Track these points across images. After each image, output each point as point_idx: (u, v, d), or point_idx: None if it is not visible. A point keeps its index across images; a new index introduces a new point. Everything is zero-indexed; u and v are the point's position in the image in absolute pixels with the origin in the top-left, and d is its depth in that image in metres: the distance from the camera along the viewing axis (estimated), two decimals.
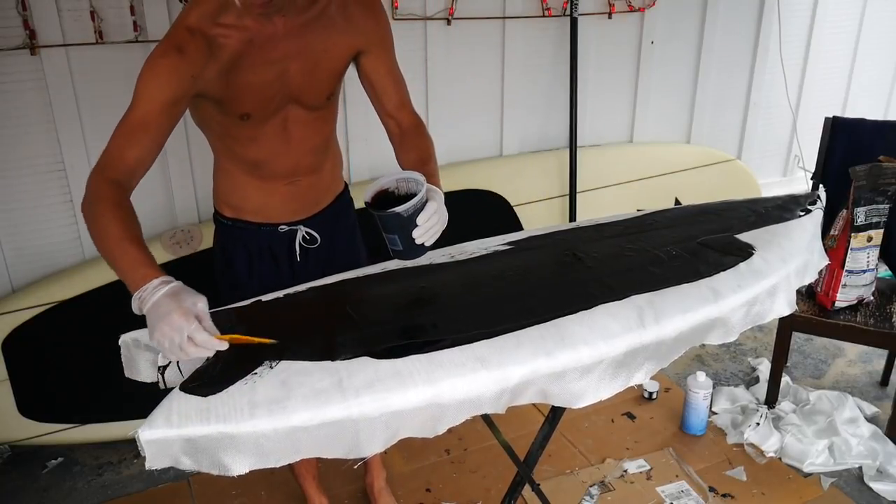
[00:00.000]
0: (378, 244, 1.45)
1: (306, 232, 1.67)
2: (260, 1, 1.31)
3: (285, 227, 1.65)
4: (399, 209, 1.31)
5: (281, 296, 1.42)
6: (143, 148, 1.33)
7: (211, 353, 1.14)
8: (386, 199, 1.40)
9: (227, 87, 1.41)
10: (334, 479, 2.23)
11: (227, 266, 1.70)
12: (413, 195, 1.34)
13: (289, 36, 1.43)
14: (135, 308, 1.19)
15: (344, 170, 2.64)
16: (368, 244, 1.83)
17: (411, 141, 1.60)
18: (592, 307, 1.30)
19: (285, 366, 1.13)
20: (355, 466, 2.26)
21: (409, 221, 1.33)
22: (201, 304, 1.16)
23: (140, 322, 1.34)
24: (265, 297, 1.42)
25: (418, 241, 1.36)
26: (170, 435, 1.02)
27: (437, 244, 1.43)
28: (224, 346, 1.14)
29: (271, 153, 1.56)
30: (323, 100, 1.56)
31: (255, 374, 1.11)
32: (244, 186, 1.61)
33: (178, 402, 1.05)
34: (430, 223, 1.35)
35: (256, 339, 1.17)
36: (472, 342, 1.19)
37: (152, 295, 1.16)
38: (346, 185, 1.82)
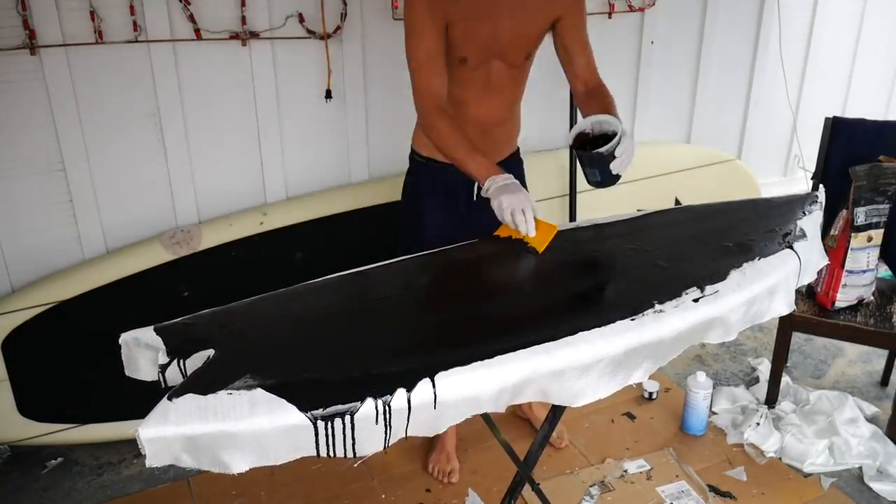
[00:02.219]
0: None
1: None
2: None
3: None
4: (603, 149, 1.61)
5: (276, 298, 1.42)
6: (440, 71, 1.71)
7: (530, 233, 1.55)
8: (583, 139, 1.71)
9: (462, 29, 1.72)
10: (334, 478, 2.23)
11: (415, 198, 2.03)
12: (604, 135, 1.66)
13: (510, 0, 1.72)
14: (484, 190, 1.62)
15: (345, 170, 2.68)
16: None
17: (596, 97, 1.84)
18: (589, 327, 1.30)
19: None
20: (355, 465, 2.26)
21: (610, 157, 1.62)
22: (533, 203, 1.58)
23: (140, 322, 1.35)
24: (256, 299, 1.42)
25: (615, 172, 1.65)
26: (170, 433, 1.02)
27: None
28: (533, 231, 1.55)
29: (472, 98, 1.85)
30: (522, 59, 1.85)
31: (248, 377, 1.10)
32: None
33: (177, 400, 1.05)
34: (626, 155, 1.63)
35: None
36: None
37: (505, 180, 1.59)
38: (518, 149, 2.11)
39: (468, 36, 1.74)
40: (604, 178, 1.68)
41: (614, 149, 1.62)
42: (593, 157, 1.65)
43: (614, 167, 1.64)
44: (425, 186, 2.01)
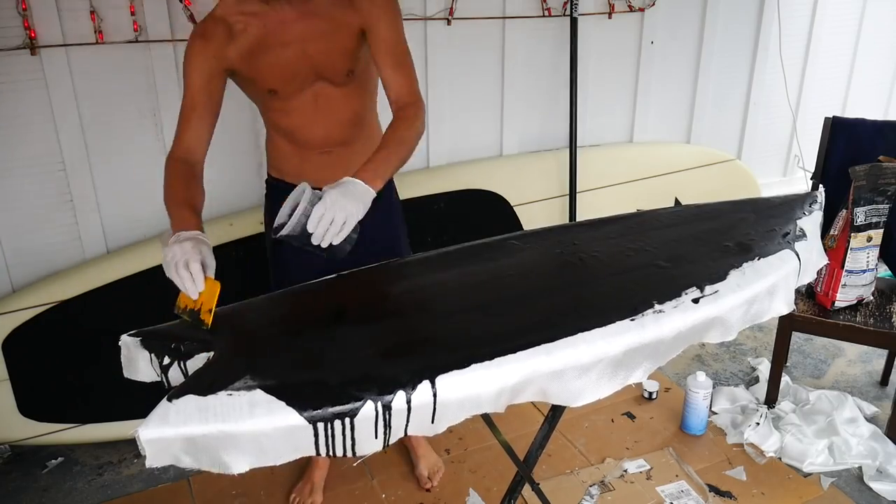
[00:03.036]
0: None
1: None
2: None
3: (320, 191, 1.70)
4: (282, 232, 1.34)
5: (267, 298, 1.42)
6: (195, 127, 1.58)
7: (191, 291, 1.27)
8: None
9: (251, 67, 1.62)
10: (334, 479, 2.23)
11: (270, 220, 1.88)
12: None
13: (300, 20, 1.61)
14: (163, 244, 1.38)
15: None
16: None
17: (392, 123, 1.62)
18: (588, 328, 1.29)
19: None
20: (354, 465, 2.26)
21: (304, 233, 1.34)
22: (211, 259, 1.33)
23: (140, 322, 1.35)
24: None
25: (321, 244, 1.34)
26: (169, 434, 1.02)
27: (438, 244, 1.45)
28: (200, 288, 1.27)
29: (302, 124, 1.74)
30: (343, 76, 1.70)
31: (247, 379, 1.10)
32: (284, 151, 1.81)
33: (177, 401, 1.05)
34: (323, 225, 1.34)
35: (204, 316, 1.26)
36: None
37: (179, 236, 1.35)
38: None
39: (265, 68, 1.62)
40: (323, 251, 1.37)
41: (299, 224, 1.33)
42: (284, 239, 1.36)
43: (316, 240, 1.34)
44: (277, 210, 1.75)
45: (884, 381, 2.71)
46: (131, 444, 1.03)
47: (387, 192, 1.88)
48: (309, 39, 1.62)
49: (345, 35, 1.65)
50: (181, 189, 1.52)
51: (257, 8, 1.59)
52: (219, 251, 2.34)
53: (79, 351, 2.26)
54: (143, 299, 2.29)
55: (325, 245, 1.35)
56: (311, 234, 1.33)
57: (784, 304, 1.51)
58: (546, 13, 2.82)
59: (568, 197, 2.97)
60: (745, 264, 1.48)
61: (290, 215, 1.35)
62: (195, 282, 1.27)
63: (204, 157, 1.60)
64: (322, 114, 1.73)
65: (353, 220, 1.37)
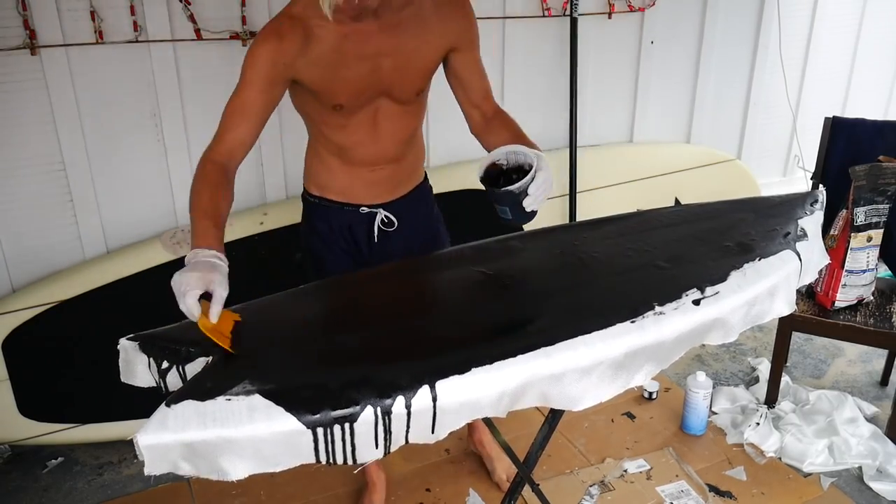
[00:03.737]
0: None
1: (385, 215, 1.77)
2: (348, 9, 1.42)
3: (366, 209, 1.75)
4: (513, 186, 1.45)
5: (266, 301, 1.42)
6: (242, 130, 1.48)
7: (191, 317, 1.21)
8: (496, 172, 1.54)
9: (322, 79, 1.52)
10: (335, 479, 2.23)
11: (310, 240, 1.83)
12: (519, 167, 1.50)
13: (382, 34, 1.52)
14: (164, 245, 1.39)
15: None
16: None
17: (500, 123, 1.70)
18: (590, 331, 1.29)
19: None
20: (355, 472, 2.26)
21: (521, 194, 1.46)
22: (221, 289, 1.25)
23: (140, 323, 1.35)
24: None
25: (529, 209, 1.48)
26: (168, 439, 1.02)
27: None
28: (194, 320, 1.21)
29: (359, 142, 1.66)
30: (413, 95, 1.65)
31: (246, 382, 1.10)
32: (331, 168, 1.72)
33: (176, 407, 1.05)
34: (539, 192, 1.46)
35: (219, 340, 1.20)
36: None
37: (196, 255, 1.29)
38: (426, 175, 1.92)
39: (337, 81, 1.53)
40: (515, 215, 1.51)
41: (527, 186, 1.45)
42: (502, 194, 1.48)
43: (527, 205, 1.47)
44: (321, 231, 1.79)
45: (884, 381, 2.71)
46: (131, 444, 1.02)
47: (431, 200, 1.93)
48: (388, 55, 1.54)
49: (429, 54, 1.61)
50: (209, 196, 1.41)
51: (340, 15, 1.45)
52: None
53: (79, 351, 2.26)
54: (143, 299, 2.29)
55: (532, 209, 1.48)
56: (524, 197, 1.45)
57: (785, 305, 1.50)
58: (546, 13, 2.82)
59: (568, 197, 2.96)
60: (745, 265, 1.48)
61: (495, 165, 1.52)
62: (190, 312, 1.21)
63: (240, 163, 1.52)
64: (381, 131, 1.66)
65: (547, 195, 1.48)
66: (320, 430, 1.05)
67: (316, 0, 1.40)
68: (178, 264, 2.30)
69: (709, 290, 1.39)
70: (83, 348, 2.25)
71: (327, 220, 1.77)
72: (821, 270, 2.24)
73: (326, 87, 1.54)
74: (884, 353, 2.74)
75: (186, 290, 1.20)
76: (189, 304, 1.20)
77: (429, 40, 1.59)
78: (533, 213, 1.51)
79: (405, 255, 1.68)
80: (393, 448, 1.11)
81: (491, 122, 1.72)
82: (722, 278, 1.43)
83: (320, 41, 1.48)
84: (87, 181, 2.29)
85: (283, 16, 1.49)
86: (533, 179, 1.45)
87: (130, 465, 2.33)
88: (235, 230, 2.42)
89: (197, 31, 2.26)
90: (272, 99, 1.50)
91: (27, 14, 2.05)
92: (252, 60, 1.47)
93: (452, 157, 2.86)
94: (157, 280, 2.29)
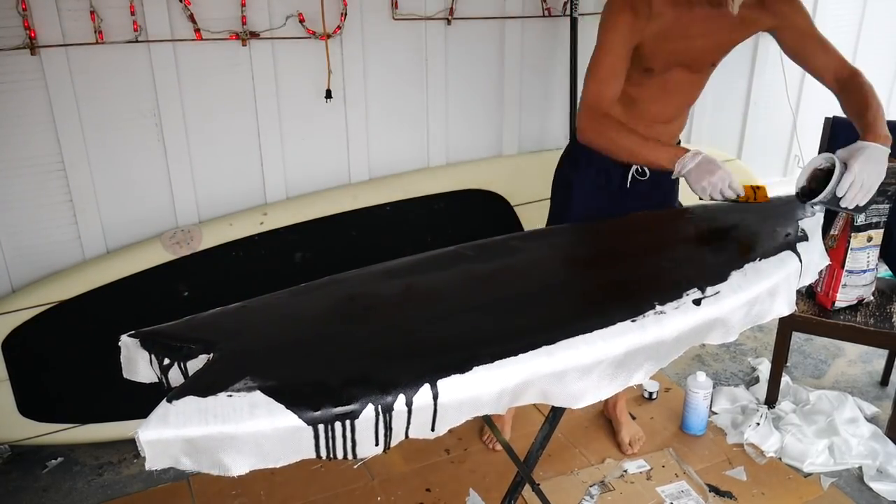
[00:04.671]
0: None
1: (639, 166, 1.96)
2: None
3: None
4: (816, 200, 1.59)
5: (277, 297, 1.42)
6: (615, 87, 1.74)
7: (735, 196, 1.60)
8: (821, 175, 1.64)
9: (653, 49, 1.76)
10: (335, 479, 2.23)
11: (566, 185, 2.07)
12: (830, 170, 1.59)
13: (711, 17, 1.72)
14: (676, 172, 1.64)
15: (345, 170, 2.68)
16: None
17: (848, 94, 1.81)
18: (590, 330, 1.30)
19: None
20: (355, 467, 2.26)
21: (832, 200, 1.58)
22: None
23: (140, 322, 1.35)
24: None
25: (850, 207, 1.58)
26: (169, 435, 1.02)
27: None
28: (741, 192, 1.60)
29: (647, 98, 1.88)
30: (708, 66, 1.89)
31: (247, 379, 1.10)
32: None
33: (177, 403, 1.05)
34: (853, 192, 1.56)
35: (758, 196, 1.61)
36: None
37: (693, 159, 1.62)
38: (679, 141, 2.12)
39: (658, 52, 1.77)
40: (850, 212, 1.71)
41: (832, 194, 1.57)
42: (814, 205, 1.64)
43: (846, 205, 1.59)
44: (579, 167, 2.02)
45: (884, 381, 2.71)
46: (131, 444, 1.02)
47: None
48: (708, 34, 1.76)
49: (743, 33, 1.80)
50: (628, 130, 1.69)
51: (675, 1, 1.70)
52: (219, 251, 2.38)
53: (79, 351, 2.26)
54: (143, 299, 2.30)
55: (852, 206, 1.58)
56: (840, 197, 1.56)
57: (785, 305, 1.50)
58: (546, 13, 2.82)
59: None
60: (746, 265, 1.48)
61: (809, 180, 1.65)
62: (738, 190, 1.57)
63: None
64: (670, 94, 1.88)
65: (878, 182, 1.57)
66: (321, 427, 1.05)
67: None
68: (178, 264, 2.34)
69: (709, 290, 1.39)
70: (83, 348, 2.25)
71: (588, 160, 1.97)
72: (821, 271, 2.24)
73: (652, 55, 1.77)
74: (884, 353, 2.74)
75: (725, 183, 1.58)
76: (736, 186, 1.58)
77: (743, 31, 1.79)
78: (867, 205, 1.62)
79: (645, 203, 1.92)
80: (393, 443, 1.11)
81: (843, 91, 1.84)
82: (722, 278, 1.43)
83: (659, 18, 1.71)
84: (87, 181, 2.29)
85: None
86: (838, 184, 1.55)
87: (130, 465, 2.33)
88: (235, 230, 2.43)
89: (197, 31, 2.26)
90: (627, 61, 1.75)
91: (27, 14, 2.05)
92: (614, 30, 1.71)
93: (452, 157, 2.86)
94: (158, 280, 2.32)
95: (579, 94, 2.89)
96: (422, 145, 2.79)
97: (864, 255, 2.28)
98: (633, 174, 1.98)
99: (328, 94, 2.49)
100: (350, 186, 2.67)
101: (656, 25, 1.72)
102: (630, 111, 1.89)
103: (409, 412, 1.09)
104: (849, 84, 1.81)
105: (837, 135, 2.54)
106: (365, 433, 1.08)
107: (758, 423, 2.40)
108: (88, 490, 2.24)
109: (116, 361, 1.32)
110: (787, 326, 2.39)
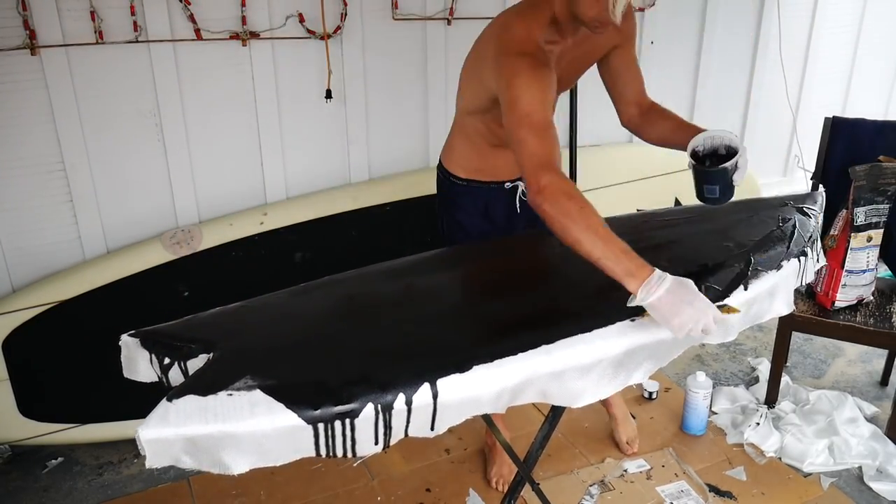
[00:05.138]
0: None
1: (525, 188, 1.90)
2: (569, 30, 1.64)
3: (509, 185, 1.94)
4: (728, 163, 1.61)
5: (277, 299, 1.43)
6: (557, 143, 1.56)
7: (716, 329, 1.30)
8: (698, 156, 1.68)
9: None
10: (335, 479, 2.23)
11: (454, 215, 2.01)
12: (714, 151, 1.66)
13: (576, 47, 1.70)
14: (640, 296, 1.26)
15: (345, 170, 2.68)
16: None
17: (659, 115, 1.85)
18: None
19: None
20: (354, 465, 2.26)
21: (732, 171, 1.63)
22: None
23: (140, 322, 1.35)
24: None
25: (737, 185, 1.64)
26: (170, 434, 1.02)
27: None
28: (721, 316, 1.31)
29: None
30: (566, 90, 1.87)
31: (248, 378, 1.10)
32: (487, 154, 1.89)
33: (178, 401, 1.05)
34: (744, 168, 1.63)
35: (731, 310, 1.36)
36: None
37: (660, 285, 1.25)
38: None
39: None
40: (722, 193, 1.67)
41: (736, 163, 1.62)
42: (717, 172, 1.64)
43: (736, 180, 1.64)
44: (464, 203, 1.98)
45: (884, 381, 2.71)
46: (131, 444, 1.02)
47: None
48: (577, 59, 1.75)
49: (599, 53, 1.80)
50: (599, 222, 1.37)
51: (556, 37, 1.64)
52: (219, 251, 2.38)
53: (79, 351, 2.26)
54: (143, 299, 2.30)
55: (737, 184, 1.64)
56: (732, 174, 1.62)
57: (784, 305, 1.51)
58: None
59: None
60: (746, 265, 1.48)
61: (699, 152, 1.67)
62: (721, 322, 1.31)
63: None
64: None
65: None
66: (321, 426, 1.05)
67: (543, 31, 1.59)
68: (178, 264, 2.34)
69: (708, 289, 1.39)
70: (83, 348, 2.25)
71: (473, 198, 1.96)
72: (820, 271, 2.24)
73: None
74: (884, 353, 2.73)
75: (703, 320, 1.26)
76: (720, 319, 1.30)
77: (600, 44, 1.77)
78: (733, 191, 1.67)
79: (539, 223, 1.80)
80: (393, 442, 1.12)
81: (649, 115, 1.87)
82: (721, 278, 1.43)
83: (552, 55, 1.64)
84: (87, 181, 2.29)
85: (531, 44, 1.57)
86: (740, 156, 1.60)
87: (130, 465, 2.33)
88: (235, 230, 2.43)
89: (197, 31, 2.26)
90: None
91: (27, 14, 2.05)
92: (539, 86, 1.55)
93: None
94: (158, 280, 2.32)
95: (579, 95, 2.91)
96: (422, 145, 2.79)
97: (863, 255, 2.28)
98: (519, 198, 1.94)
99: (328, 94, 2.50)
100: (350, 186, 2.67)
101: (556, 54, 1.67)
102: (503, 148, 1.81)
103: (409, 411, 1.10)
104: (656, 107, 1.86)
105: (837, 134, 2.54)
106: (364, 432, 1.08)
107: (758, 423, 2.40)
108: (88, 490, 2.24)
109: (117, 361, 1.32)
110: (786, 326, 2.39)
